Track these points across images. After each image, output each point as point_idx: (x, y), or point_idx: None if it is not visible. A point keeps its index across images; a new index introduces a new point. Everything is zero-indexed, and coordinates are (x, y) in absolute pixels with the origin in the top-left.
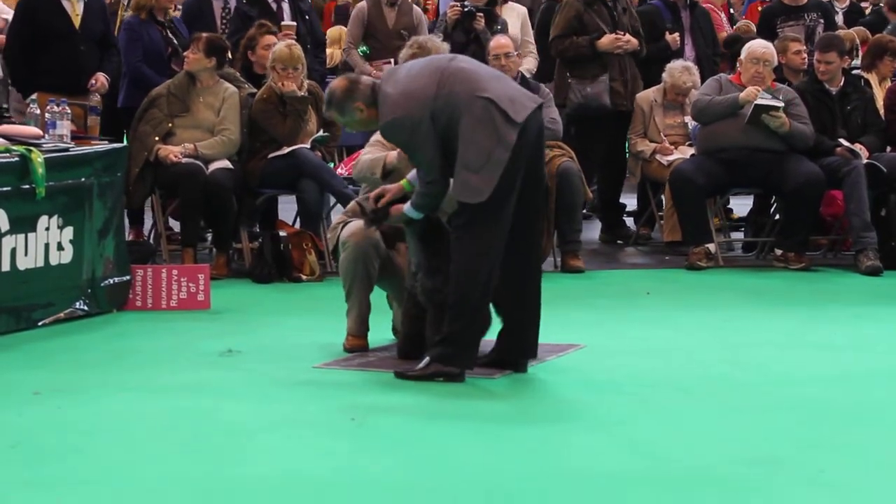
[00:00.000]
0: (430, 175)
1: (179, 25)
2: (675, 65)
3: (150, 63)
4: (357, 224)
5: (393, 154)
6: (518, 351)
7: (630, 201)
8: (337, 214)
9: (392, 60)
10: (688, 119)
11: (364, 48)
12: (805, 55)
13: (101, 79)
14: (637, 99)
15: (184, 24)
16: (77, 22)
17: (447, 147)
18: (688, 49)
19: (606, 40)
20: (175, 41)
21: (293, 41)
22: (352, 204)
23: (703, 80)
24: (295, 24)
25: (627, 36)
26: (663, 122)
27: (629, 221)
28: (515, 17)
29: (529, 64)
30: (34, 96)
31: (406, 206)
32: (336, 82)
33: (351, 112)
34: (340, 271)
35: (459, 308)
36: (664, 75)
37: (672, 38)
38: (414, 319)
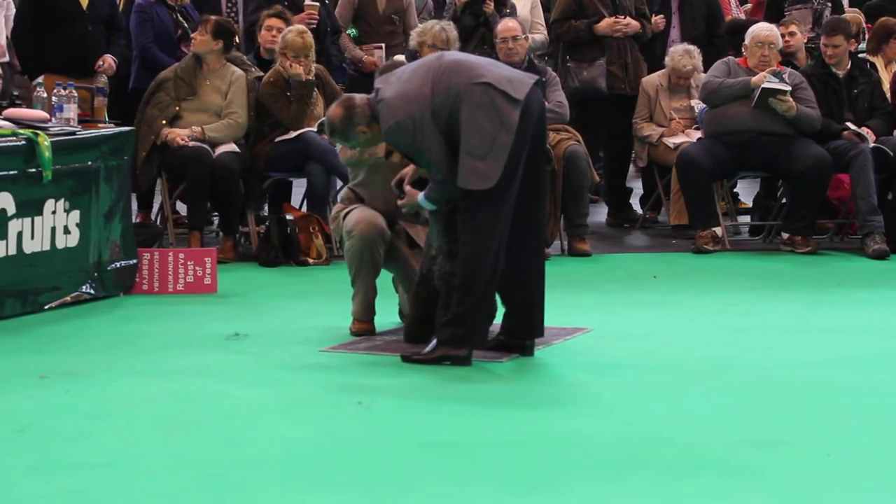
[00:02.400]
0: (439, 175)
1: (192, 11)
2: (676, 48)
3: (159, 45)
4: (361, 212)
5: None
6: (525, 329)
7: (637, 185)
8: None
9: (382, 45)
10: (694, 102)
11: (353, 30)
12: (788, 38)
13: (108, 60)
14: (642, 83)
15: (195, 8)
16: (84, 3)
17: (452, 141)
18: (674, 32)
19: (605, 24)
20: (185, 24)
21: (305, 28)
22: (345, 190)
23: None
24: (318, 4)
25: (628, 19)
26: (669, 106)
27: (635, 205)
28: None
29: (538, 38)
30: (41, 79)
31: (420, 197)
32: (332, 111)
33: (355, 136)
34: (346, 259)
35: (468, 288)
36: (666, 59)
37: (655, 20)
38: (424, 302)
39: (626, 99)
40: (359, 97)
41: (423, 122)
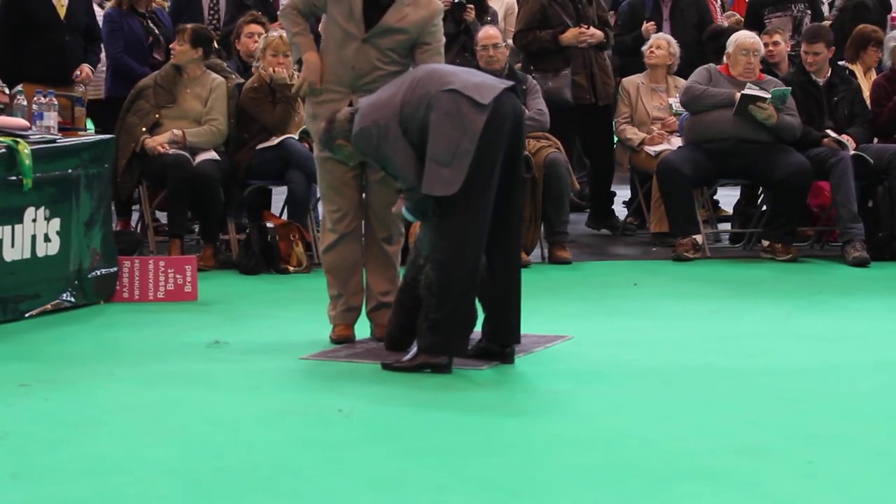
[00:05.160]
0: (405, 184)
1: (161, 15)
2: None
3: (130, 53)
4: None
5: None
6: (504, 335)
7: (621, 192)
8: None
9: None
10: (672, 101)
11: None
12: (772, 47)
13: (85, 69)
14: (622, 83)
15: (170, 16)
16: (63, 13)
17: (423, 150)
18: None
19: (570, 34)
20: (156, 31)
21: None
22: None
23: (681, 69)
24: None
25: (592, 29)
26: (651, 105)
27: (618, 211)
28: (499, 4)
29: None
30: (20, 87)
31: (402, 208)
32: (317, 126)
33: (339, 149)
34: (325, 269)
35: (445, 294)
36: (644, 48)
37: (646, 26)
38: (407, 310)
39: (593, 108)
40: (344, 111)
41: (387, 130)
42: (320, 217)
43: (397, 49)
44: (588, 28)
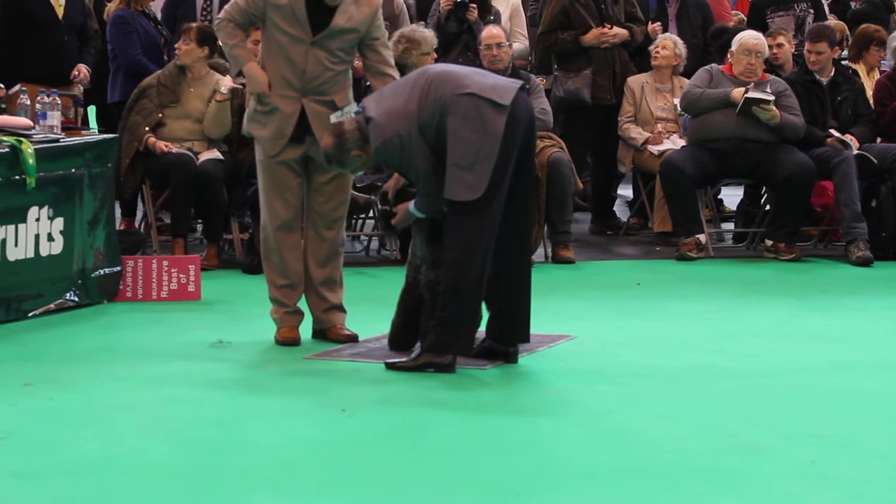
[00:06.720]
0: (427, 188)
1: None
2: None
3: (147, 54)
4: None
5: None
6: (511, 334)
7: (623, 192)
8: None
9: None
10: (677, 101)
11: None
12: (776, 49)
13: (83, 70)
14: (627, 82)
15: (162, 13)
16: (60, 12)
17: (442, 153)
18: None
19: (591, 35)
20: (164, 31)
21: None
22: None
23: (688, 71)
24: None
25: (615, 29)
26: (655, 105)
27: (619, 212)
28: (505, 4)
29: (518, 46)
30: (18, 87)
31: (410, 206)
32: (325, 140)
33: (352, 161)
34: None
35: (452, 294)
36: (650, 48)
37: (652, 27)
38: (409, 310)
39: (612, 108)
40: (347, 120)
41: (410, 138)
42: None
43: (345, 48)
44: (611, 28)
